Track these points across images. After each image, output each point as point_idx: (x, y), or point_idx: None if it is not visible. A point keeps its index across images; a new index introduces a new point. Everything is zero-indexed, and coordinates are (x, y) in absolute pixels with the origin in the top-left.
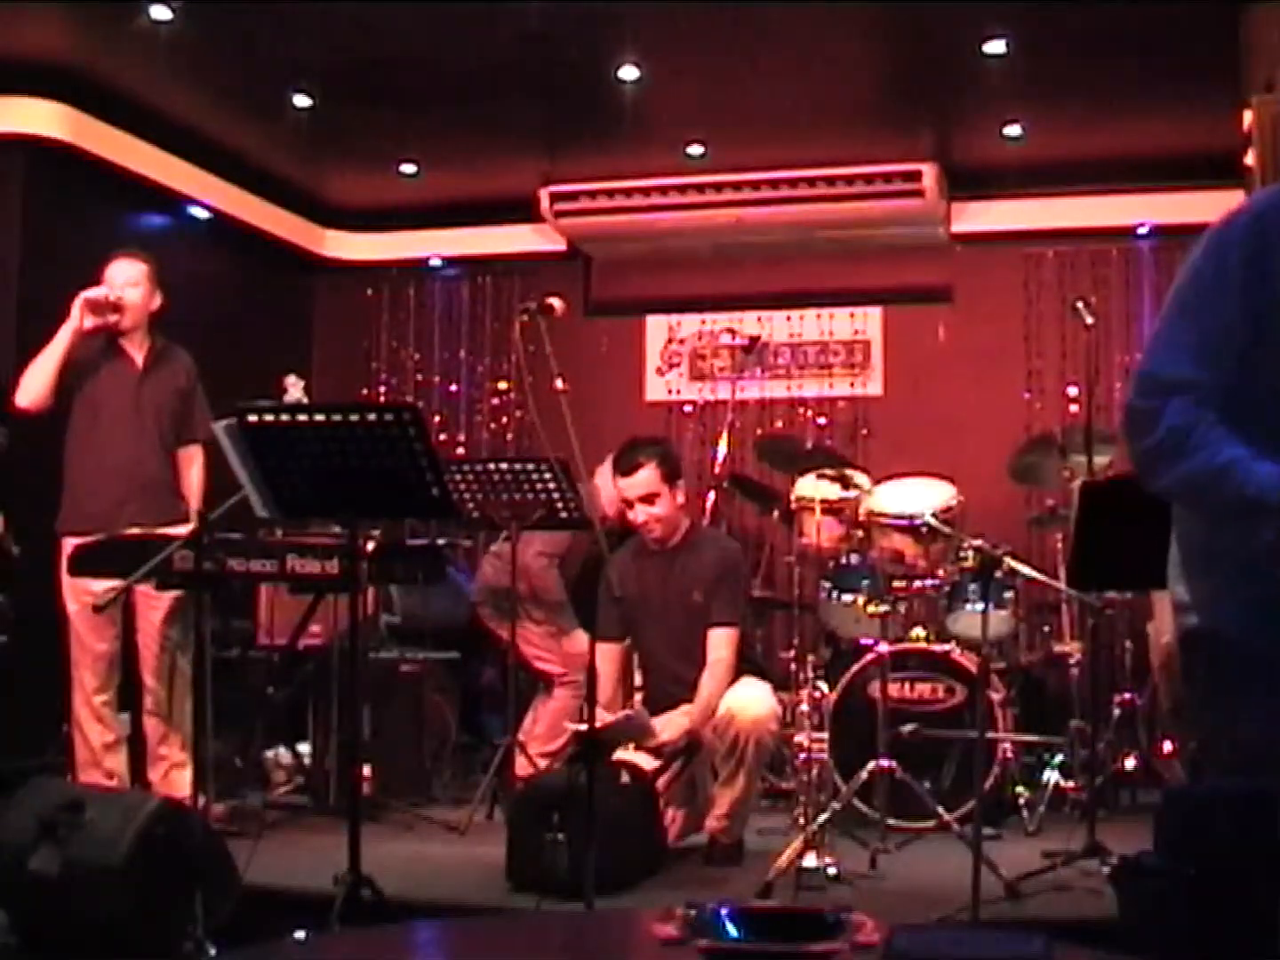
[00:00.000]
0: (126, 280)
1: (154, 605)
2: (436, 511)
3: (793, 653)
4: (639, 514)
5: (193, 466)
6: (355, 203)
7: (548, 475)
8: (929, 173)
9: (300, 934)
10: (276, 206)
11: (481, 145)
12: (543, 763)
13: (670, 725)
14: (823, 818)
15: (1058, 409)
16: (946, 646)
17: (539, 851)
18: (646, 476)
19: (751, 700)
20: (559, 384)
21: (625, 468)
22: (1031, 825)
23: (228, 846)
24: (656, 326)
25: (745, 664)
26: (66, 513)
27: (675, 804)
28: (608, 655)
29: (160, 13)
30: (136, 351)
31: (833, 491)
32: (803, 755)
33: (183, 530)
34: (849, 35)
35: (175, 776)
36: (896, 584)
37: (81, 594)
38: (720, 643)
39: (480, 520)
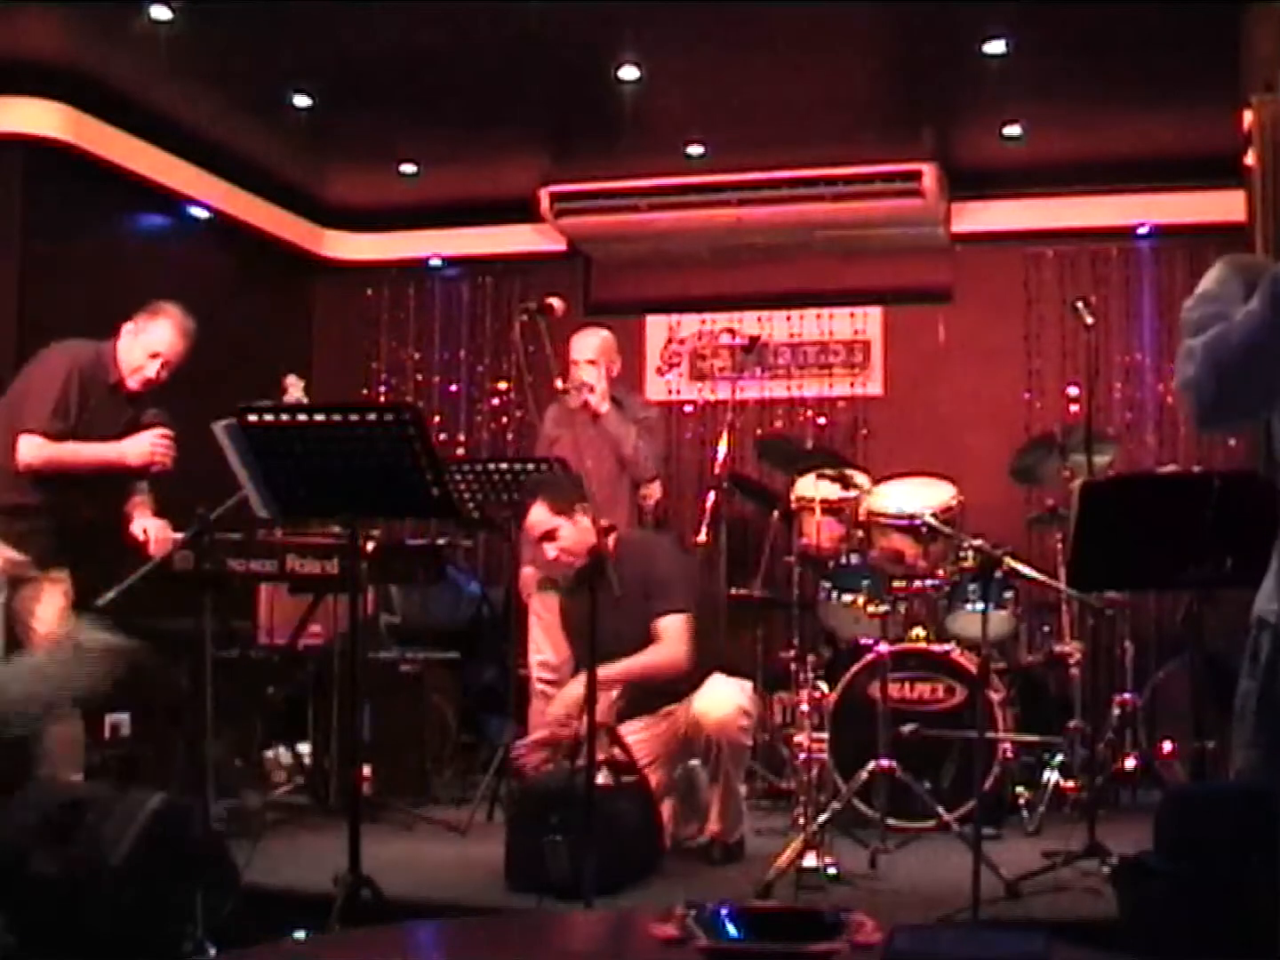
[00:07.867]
0: None
1: None
2: (436, 511)
3: (793, 653)
4: (548, 552)
5: None
6: (355, 203)
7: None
8: (929, 173)
9: (300, 934)
10: (276, 206)
11: (481, 145)
12: None
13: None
14: (823, 818)
15: (1058, 409)
16: (946, 646)
17: (539, 851)
18: (538, 514)
19: (716, 702)
20: (559, 384)
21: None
22: (1031, 825)
23: (228, 846)
24: (656, 326)
25: (712, 659)
26: None
27: (667, 796)
28: None
29: (160, 13)
30: None
31: (833, 491)
32: (803, 755)
33: None
34: (849, 35)
35: None
36: (896, 584)
37: None
38: (664, 629)
39: (480, 520)
